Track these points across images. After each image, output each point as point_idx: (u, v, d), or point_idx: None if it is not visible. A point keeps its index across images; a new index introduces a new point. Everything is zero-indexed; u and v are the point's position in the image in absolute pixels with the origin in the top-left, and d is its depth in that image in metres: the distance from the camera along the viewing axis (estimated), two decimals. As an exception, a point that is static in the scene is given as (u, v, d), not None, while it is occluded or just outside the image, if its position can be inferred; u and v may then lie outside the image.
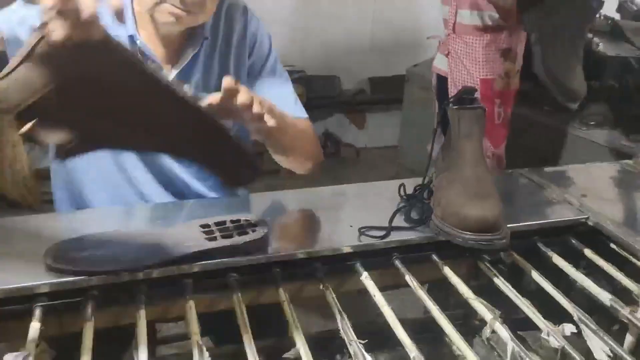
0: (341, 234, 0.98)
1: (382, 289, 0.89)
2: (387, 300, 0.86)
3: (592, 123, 2.40)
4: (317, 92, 3.68)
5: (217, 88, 0.99)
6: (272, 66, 1.25)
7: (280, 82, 1.26)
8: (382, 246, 0.95)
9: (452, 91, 2.07)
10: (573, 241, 1.04)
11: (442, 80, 2.18)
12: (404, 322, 0.81)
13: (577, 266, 0.98)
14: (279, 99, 1.12)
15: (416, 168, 3.23)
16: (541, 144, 2.50)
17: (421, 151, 3.22)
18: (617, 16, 2.67)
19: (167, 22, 1.07)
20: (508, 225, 0.95)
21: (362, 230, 0.96)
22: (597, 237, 1.04)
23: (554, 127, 2.47)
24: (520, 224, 1.03)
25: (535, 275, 0.93)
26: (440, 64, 2.18)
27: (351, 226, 0.98)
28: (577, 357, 0.75)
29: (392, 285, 0.96)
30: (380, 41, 3.77)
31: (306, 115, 1.26)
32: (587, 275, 0.94)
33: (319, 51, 3.71)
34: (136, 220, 1.11)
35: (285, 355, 0.81)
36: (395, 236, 0.96)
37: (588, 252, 1.00)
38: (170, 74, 1.14)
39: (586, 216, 1.06)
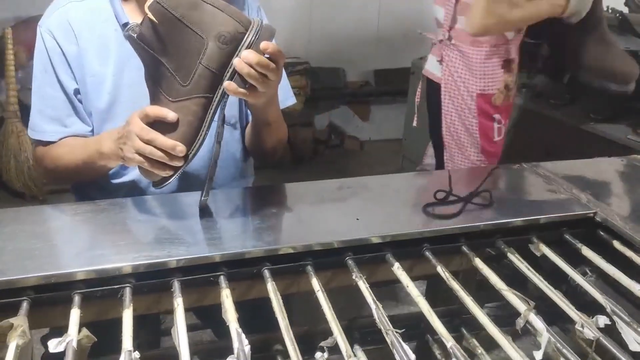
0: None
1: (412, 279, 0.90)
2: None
3: (599, 117, 2.41)
4: (322, 83, 3.68)
5: None
6: None
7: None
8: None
9: (446, 102, 1.84)
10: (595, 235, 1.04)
11: (433, 85, 1.90)
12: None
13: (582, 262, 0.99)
14: (282, 91, 1.19)
15: (421, 161, 3.25)
16: (547, 137, 2.51)
17: (426, 144, 3.23)
18: (625, 10, 2.67)
19: None
20: (513, 220, 0.98)
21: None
22: (603, 232, 1.04)
23: (560, 120, 2.48)
24: (528, 217, 1.03)
25: (566, 267, 0.93)
26: (433, 69, 1.90)
27: (357, 219, 0.99)
28: (612, 349, 0.76)
29: (422, 276, 0.97)
30: (386, 33, 3.76)
31: (294, 100, 1.33)
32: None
33: (324, 42, 3.70)
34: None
35: (322, 343, 0.81)
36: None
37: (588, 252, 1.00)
38: None
39: (594, 211, 1.06)
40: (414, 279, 0.93)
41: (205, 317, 1.44)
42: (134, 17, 1.13)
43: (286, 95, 1.29)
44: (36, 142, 1.22)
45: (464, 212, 1.02)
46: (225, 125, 1.20)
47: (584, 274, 0.96)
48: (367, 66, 3.85)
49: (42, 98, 1.17)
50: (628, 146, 2.22)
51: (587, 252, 0.98)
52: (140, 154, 0.92)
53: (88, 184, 1.25)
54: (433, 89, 1.89)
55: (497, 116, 1.81)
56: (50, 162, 1.19)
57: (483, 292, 1.01)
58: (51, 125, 1.17)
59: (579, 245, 1.00)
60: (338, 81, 3.77)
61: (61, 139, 1.17)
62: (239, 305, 0.83)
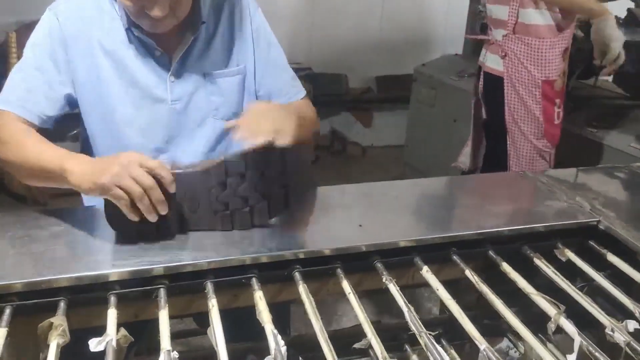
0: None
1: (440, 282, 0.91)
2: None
3: (601, 125, 2.43)
4: (324, 89, 3.68)
5: (219, 67, 1.17)
6: (275, 51, 1.27)
7: (278, 62, 1.27)
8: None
9: (510, 92, 2.04)
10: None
11: (494, 80, 2.11)
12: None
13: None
14: (280, 85, 1.24)
15: (423, 168, 3.27)
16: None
17: (428, 151, 3.25)
18: (631, 5, 2.68)
19: (150, 28, 1.10)
20: (521, 227, 0.99)
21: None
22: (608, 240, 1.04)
23: (562, 128, 2.50)
24: (531, 225, 1.04)
25: (593, 272, 0.95)
26: (493, 64, 2.11)
27: (360, 225, 0.99)
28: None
29: (448, 281, 0.98)
30: (389, 39, 3.78)
31: (304, 92, 1.30)
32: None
33: (326, 49, 3.71)
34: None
35: (356, 345, 0.82)
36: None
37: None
38: (172, 59, 1.16)
39: (597, 219, 1.07)
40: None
41: (207, 323, 1.43)
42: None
43: (296, 90, 1.28)
44: None
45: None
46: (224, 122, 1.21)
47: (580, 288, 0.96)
48: (369, 72, 3.87)
49: (21, 71, 1.12)
50: (630, 154, 2.24)
51: (612, 258, 0.99)
52: (127, 186, 0.87)
53: None
54: (494, 82, 2.09)
55: (557, 100, 2.02)
56: (8, 141, 1.07)
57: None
58: (15, 96, 1.10)
59: (604, 250, 1.01)
60: (340, 87, 3.79)
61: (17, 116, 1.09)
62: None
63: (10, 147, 1.05)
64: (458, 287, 0.98)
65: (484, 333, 0.79)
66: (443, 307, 1.45)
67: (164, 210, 0.90)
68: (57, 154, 1.00)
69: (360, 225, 1.00)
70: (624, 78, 2.51)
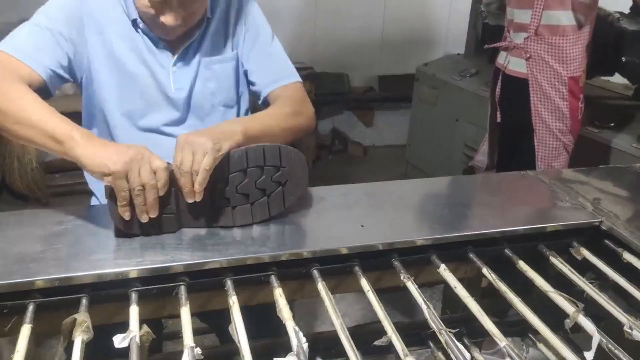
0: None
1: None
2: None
3: (604, 125, 2.44)
4: (326, 89, 3.69)
5: (214, 53, 1.19)
6: (265, 35, 1.27)
7: (268, 48, 1.27)
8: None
9: (536, 92, 2.06)
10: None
11: (517, 82, 2.12)
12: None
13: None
14: (275, 68, 1.24)
15: (425, 168, 3.28)
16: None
17: (430, 151, 3.26)
18: None
19: (161, 34, 1.13)
20: (521, 227, 0.99)
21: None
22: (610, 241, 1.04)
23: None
24: (535, 226, 1.04)
25: (609, 271, 0.95)
26: (516, 67, 2.12)
27: (362, 226, 1.00)
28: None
29: (464, 279, 0.98)
30: (391, 39, 3.79)
31: (298, 78, 1.27)
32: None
33: (329, 48, 3.72)
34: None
35: (376, 342, 0.83)
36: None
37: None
38: (175, 53, 1.18)
39: (600, 219, 1.07)
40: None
41: (211, 321, 1.44)
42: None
43: (287, 74, 1.26)
44: None
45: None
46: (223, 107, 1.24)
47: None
48: (372, 72, 3.88)
49: (32, 32, 1.08)
50: (632, 154, 2.25)
51: (628, 256, 1.00)
52: (132, 180, 0.88)
53: None
54: (516, 85, 2.12)
55: (581, 96, 2.06)
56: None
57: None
58: (25, 48, 1.06)
59: (620, 249, 1.01)
60: (342, 86, 3.79)
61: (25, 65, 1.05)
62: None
63: (9, 92, 0.99)
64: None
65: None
66: (445, 306, 1.46)
67: (154, 213, 0.91)
68: (65, 120, 0.96)
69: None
70: (629, 69, 2.50)
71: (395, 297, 0.86)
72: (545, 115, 2.08)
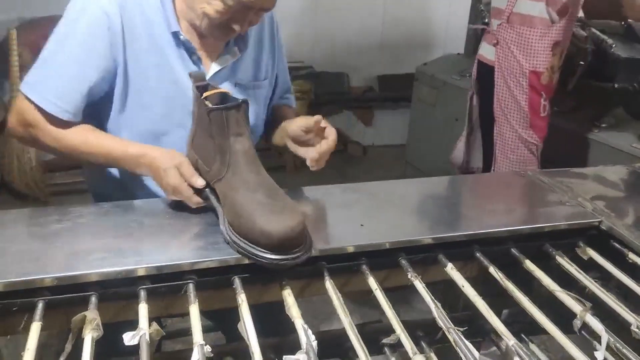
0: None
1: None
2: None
3: (604, 125, 2.45)
4: (325, 88, 3.70)
5: (248, 78, 1.22)
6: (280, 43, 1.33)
7: (286, 70, 1.37)
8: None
9: (499, 80, 2.09)
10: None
11: (486, 68, 2.17)
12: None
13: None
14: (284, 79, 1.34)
15: (424, 167, 3.28)
16: (553, 146, 2.55)
17: (429, 150, 3.26)
18: None
19: (218, 38, 1.15)
20: (521, 227, 0.99)
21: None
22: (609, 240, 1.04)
23: (564, 128, 2.52)
24: (535, 225, 1.04)
25: (615, 270, 0.95)
26: (486, 53, 2.18)
27: (362, 225, 1.00)
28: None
29: (473, 278, 0.98)
30: (390, 39, 3.80)
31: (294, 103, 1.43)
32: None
33: (328, 47, 3.72)
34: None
35: (385, 340, 0.83)
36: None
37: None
38: (211, 67, 1.17)
39: (599, 219, 1.07)
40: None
41: (218, 319, 1.43)
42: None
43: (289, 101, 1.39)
44: (30, 104, 1.06)
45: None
46: None
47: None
48: (371, 71, 3.88)
49: (61, 66, 1.07)
50: (632, 154, 2.26)
51: (633, 257, 1.00)
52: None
53: (113, 186, 1.22)
54: (486, 71, 2.17)
55: (543, 93, 2.06)
56: (50, 138, 1.07)
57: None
58: (63, 102, 1.06)
59: (627, 251, 1.01)
60: (342, 86, 3.80)
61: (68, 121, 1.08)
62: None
63: (68, 153, 1.10)
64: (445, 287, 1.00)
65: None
66: (444, 305, 1.46)
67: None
68: (116, 140, 1.10)
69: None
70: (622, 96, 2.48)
71: (394, 297, 0.86)
72: (505, 106, 2.09)
